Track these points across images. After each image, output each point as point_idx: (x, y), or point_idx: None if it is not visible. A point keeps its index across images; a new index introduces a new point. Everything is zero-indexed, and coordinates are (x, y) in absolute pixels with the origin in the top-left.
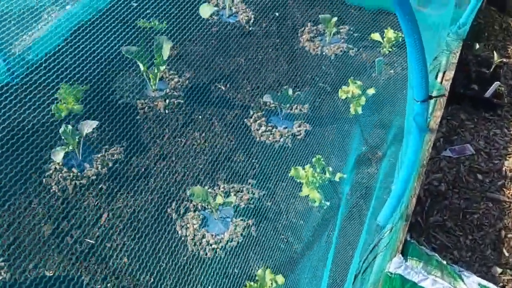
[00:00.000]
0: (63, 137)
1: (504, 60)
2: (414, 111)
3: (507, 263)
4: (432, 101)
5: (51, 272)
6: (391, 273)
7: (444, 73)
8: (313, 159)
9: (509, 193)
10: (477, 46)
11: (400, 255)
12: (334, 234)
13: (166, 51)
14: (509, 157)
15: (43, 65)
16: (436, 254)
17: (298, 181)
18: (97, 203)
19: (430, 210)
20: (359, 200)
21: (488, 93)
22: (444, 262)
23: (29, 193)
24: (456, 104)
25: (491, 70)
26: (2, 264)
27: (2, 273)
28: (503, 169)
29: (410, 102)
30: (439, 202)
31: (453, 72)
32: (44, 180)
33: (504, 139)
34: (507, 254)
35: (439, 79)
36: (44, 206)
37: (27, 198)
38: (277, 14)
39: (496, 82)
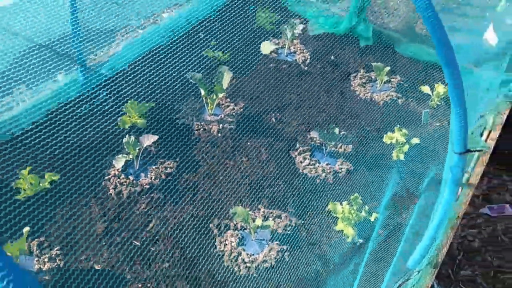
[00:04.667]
0: (125, 147)
1: None
2: (452, 162)
3: None
4: (474, 157)
5: (99, 266)
6: None
7: (489, 132)
8: (351, 197)
9: None
10: None
11: None
12: (359, 270)
13: (226, 81)
14: None
15: (115, 80)
16: None
17: (335, 215)
18: (147, 210)
19: (462, 264)
20: (389, 240)
21: None
22: None
23: (89, 192)
24: (499, 164)
25: None
26: (59, 252)
27: (57, 261)
28: None
29: (450, 154)
30: (471, 257)
31: (498, 132)
32: (103, 183)
33: None
34: None
35: (484, 137)
36: (100, 206)
37: (86, 196)
38: (332, 57)
39: None
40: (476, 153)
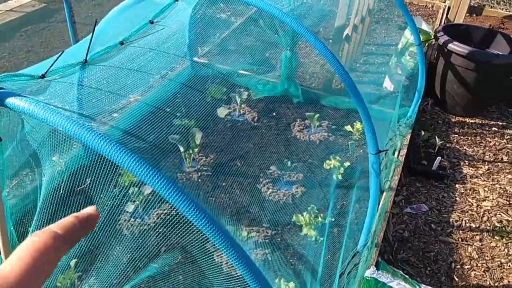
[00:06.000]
0: (132, 197)
1: (447, 144)
2: (371, 162)
3: (457, 285)
4: (391, 169)
5: None
6: (368, 277)
7: (399, 151)
8: (309, 208)
9: (456, 237)
10: (423, 133)
11: (374, 267)
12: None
13: (198, 138)
14: (454, 212)
15: None
16: (401, 271)
17: (299, 224)
18: (156, 242)
19: (398, 250)
20: (341, 230)
21: (434, 166)
22: (407, 276)
23: (109, 234)
24: (412, 176)
25: (436, 150)
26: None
27: None
28: (450, 220)
29: (370, 158)
30: (404, 244)
31: (405, 151)
32: (118, 226)
33: (450, 200)
34: (457, 279)
35: (395, 155)
36: (119, 243)
37: (108, 237)
38: (274, 114)
39: (438, 157)
40: (393, 165)
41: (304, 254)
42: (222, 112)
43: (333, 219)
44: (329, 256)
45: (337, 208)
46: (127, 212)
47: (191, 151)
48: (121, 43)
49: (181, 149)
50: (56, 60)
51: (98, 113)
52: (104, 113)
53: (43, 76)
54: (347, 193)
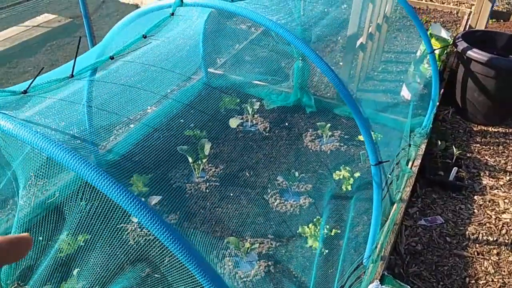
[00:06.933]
0: None
1: (468, 154)
2: (372, 173)
3: None
4: (404, 180)
5: None
6: None
7: (413, 161)
8: (315, 220)
9: (471, 251)
10: (439, 143)
11: (377, 281)
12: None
13: (207, 149)
14: (471, 225)
15: (121, 161)
16: (408, 286)
17: (304, 235)
18: (160, 252)
19: (410, 264)
20: (346, 242)
21: (451, 177)
22: None
23: (115, 243)
24: (429, 187)
25: (453, 160)
26: None
27: None
28: (467, 233)
29: (371, 169)
30: (416, 258)
31: (419, 161)
32: (124, 236)
33: (467, 212)
34: None
35: (409, 165)
36: (124, 253)
37: (112, 247)
38: (286, 124)
39: (454, 168)
40: (405, 176)
41: (308, 266)
42: (234, 122)
43: (338, 231)
44: (333, 269)
45: (344, 219)
46: (132, 222)
47: (200, 162)
48: (111, 57)
49: (190, 159)
50: (36, 76)
51: (88, 129)
52: (92, 129)
53: (25, 92)
54: (355, 204)
